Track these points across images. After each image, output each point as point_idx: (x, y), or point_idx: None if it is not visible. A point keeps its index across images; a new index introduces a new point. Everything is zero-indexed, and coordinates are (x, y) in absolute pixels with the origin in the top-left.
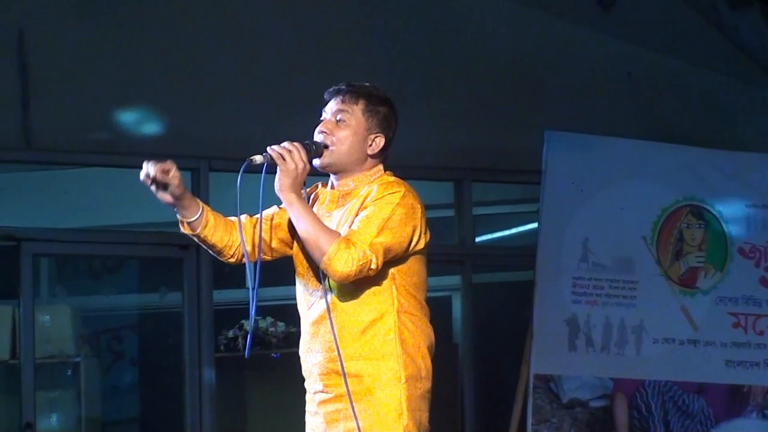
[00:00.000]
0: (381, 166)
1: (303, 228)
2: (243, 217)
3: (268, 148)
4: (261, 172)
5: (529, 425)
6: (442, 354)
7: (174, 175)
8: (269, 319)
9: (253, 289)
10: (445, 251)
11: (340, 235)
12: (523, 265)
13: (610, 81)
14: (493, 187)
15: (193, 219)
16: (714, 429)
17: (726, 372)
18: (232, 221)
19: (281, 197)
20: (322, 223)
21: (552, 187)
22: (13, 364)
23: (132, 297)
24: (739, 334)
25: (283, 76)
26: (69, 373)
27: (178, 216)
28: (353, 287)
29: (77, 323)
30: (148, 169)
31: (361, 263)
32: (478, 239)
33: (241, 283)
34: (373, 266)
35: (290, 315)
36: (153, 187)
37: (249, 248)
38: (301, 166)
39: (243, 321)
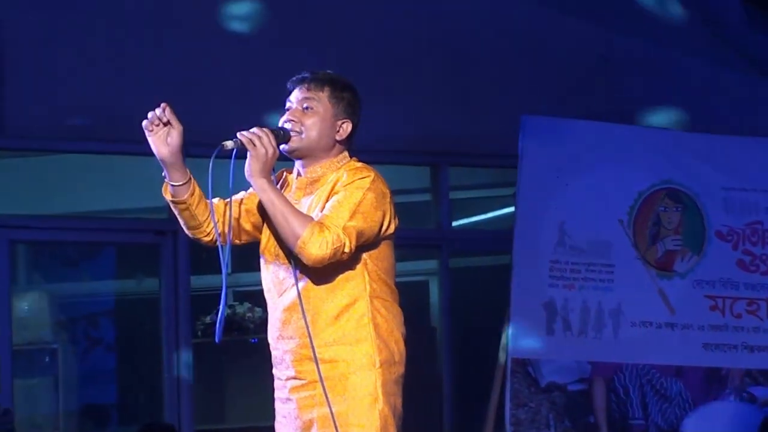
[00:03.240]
0: (347, 153)
1: (276, 212)
2: (216, 200)
3: (238, 134)
4: (231, 158)
5: (507, 409)
6: (420, 339)
7: (178, 123)
8: (246, 305)
9: (224, 272)
10: (422, 236)
11: (312, 219)
12: (500, 249)
13: (586, 64)
14: (470, 171)
15: (181, 183)
16: (692, 412)
17: (704, 355)
18: (216, 204)
19: (252, 182)
20: (295, 208)
21: (528, 171)
22: None
23: (109, 283)
24: (717, 317)
25: (257, 61)
26: (46, 360)
27: (166, 179)
28: (325, 273)
29: (54, 310)
30: (158, 111)
31: (335, 246)
32: (454, 223)
33: (218, 269)
34: (347, 250)
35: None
36: (159, 133)
37: (225, 229)
38: (270, 151)
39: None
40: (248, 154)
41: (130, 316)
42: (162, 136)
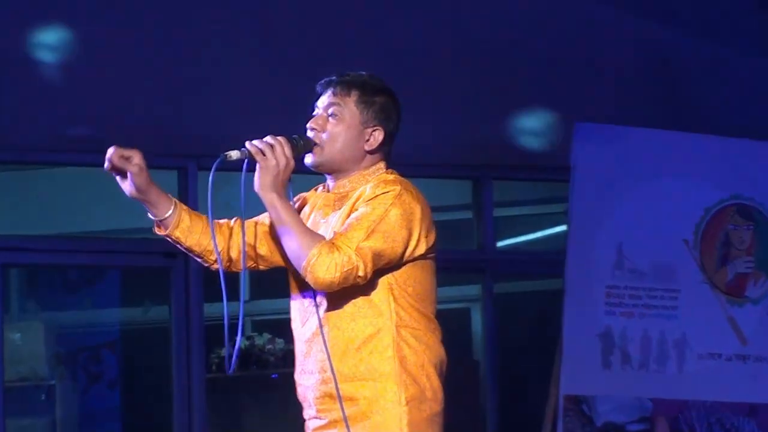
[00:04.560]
0: (382, 164)
1: (282, 230)
2: (224, 221)
3: (246, 143)
4: (241, 170)
5: None
6: (461, 373)
7: (136, 164)
8: (266, 336)
9: (242, 299)
10: (463, 258)
11: (323, 238)
12: (549, 272)
13: (645, 68)
14: (516, 186)
15: (163, 217)
16: None
17: None
18: (220, 224)
19: (261, 196)
20: (305, 226)
21: (582, 185)
22: None
23: (112, 312)
24: None
25: (280, 70)
26: (42, 398)
27: (149, 215)
28: (346, 300)
29: (51, 341)
30: (108, 154)
31: (345, 270)
32: (499, 244)
33: (235, 296)
34: (361, 273)
35: (290, 331)
36: (118, 178)
37: (235, 254)
38: (283, 162)
39: (235, 338)
40: (257, 165)
41: (136, 349)
42: (123, 178)
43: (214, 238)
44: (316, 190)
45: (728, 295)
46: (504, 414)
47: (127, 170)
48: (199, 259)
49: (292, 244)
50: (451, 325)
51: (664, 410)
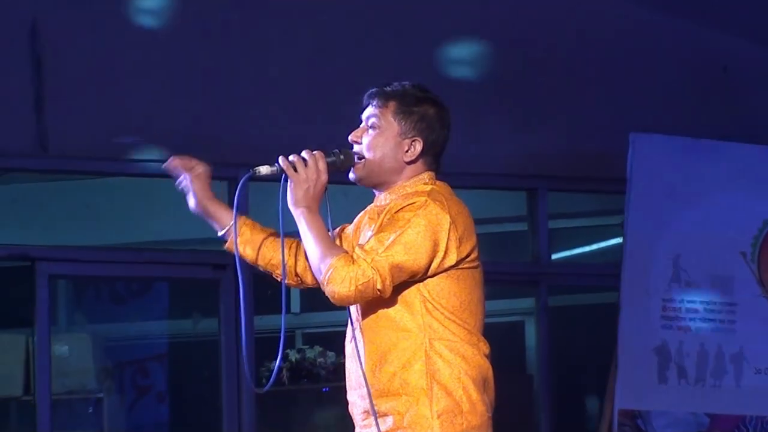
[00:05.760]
0: (425, 175)
1: (306, 243)
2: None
3: (279, 158)
4: (279, 183)
5: None
6: (515, 387)
7: (199, 173)
8: (317, 348)
9: (284, 314)
10: (517, 270)
11: (345, 252)
12: (605, 285)
13: (704, 76)
14: (572, 197)
15: (222, 232)
16: None
17: None
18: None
19: (292, 211)
20: (329, 240)
21: (638, 197)
22: (26, 401)
23: (161, 324)
24: None
25: (333, 81)
26: (90, 411)
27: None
28: (379, 314)
29: (99, 354)
30: (169, 164)
31: (361, 283)
32: (554, 256)
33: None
34: (379, 287)
35: (341, 344)
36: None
37: (300, 270)
38: (313, 177)
39: (288, 351)
40: (289, 180)
41: (185, 361)
42: (186, 187)
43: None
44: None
45: None
46: (558, 428)
47: (189, 180)
48: (269, 273)
49: (313, 256)
50: (504, 339)
51: (722, 425)
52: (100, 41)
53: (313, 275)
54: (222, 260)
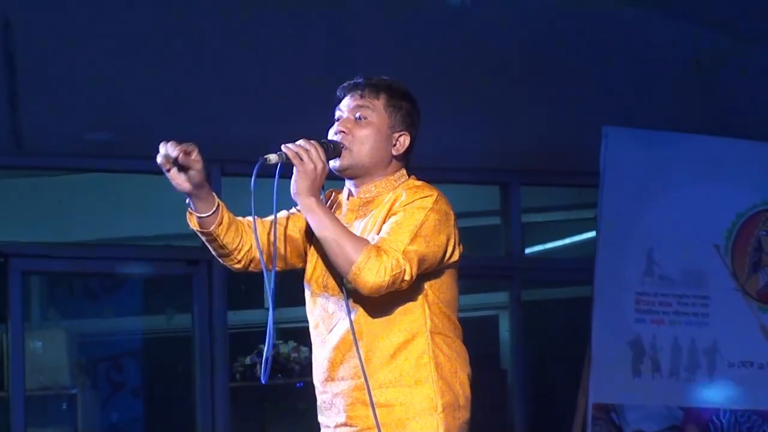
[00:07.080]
0: (404, 170)
1: (326, 235)
2: (248, 219)
3: (282, 146)
4: (273, 174)
5: None
6: (489, 381)
7: (196, 159)
8: (291, 344)
9: (272, 300)
10: (491, 264)
11: (368, 242)
12: (579, 279)
13: (677, 70)
14: (544, 192)
15: (207, 214)
16: None
17: None
18: (241, 221)
19: (298, 201)
20: (348, 230)
21: (611, 191)
22: (0, 397)
23: (134, 320)
24: None
25: (304, 72)
26: (64, 407)
27: (190, 208)
28: (380, 305)
29: (72, 350)
30: (168, 149)
31: (394, 273)
32: (527, 250)
33: (258, 303)
34: (407, 277)
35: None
36: (172, 172)
37: (255, 254)
38: (320, 166)
39: (261, 346)
40: (294, 170)
41: (159, 357)
42: (180, 173)
43: (258, 244)
44: (330, 194)
45: (760, 302)
46: (532, 422)
47: (190, 166)
48: (221, 256)
49: (336, 248)
50: (478, 333)
51: (695, 419)
52: (73, 38)
53: (300, 259)
54: (195, 256)
